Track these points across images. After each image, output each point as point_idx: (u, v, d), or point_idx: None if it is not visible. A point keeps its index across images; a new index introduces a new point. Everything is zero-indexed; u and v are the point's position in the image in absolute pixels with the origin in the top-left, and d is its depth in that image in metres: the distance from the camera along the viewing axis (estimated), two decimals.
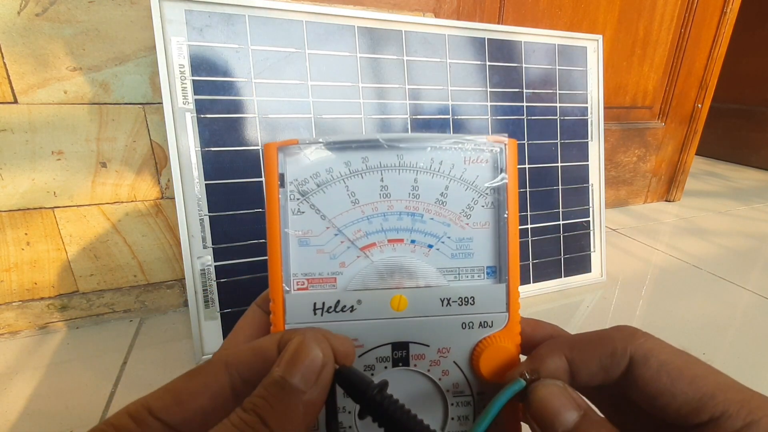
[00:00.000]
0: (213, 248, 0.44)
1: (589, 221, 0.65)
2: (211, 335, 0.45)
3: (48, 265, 0.49)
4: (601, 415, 0.15)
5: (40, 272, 0.49)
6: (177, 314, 0.55)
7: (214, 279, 0.44)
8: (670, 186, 1.10)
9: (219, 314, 0.45)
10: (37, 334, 0.50)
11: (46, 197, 0.46)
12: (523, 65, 0.58)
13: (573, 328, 0.54)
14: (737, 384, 0.14)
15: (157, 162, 0.50)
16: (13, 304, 0.49)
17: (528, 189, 0.60)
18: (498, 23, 0.73)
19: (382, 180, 0.18)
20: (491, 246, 0.19)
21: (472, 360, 0.18)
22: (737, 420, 0.13)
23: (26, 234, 0.47)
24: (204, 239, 0.44)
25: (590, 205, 0.65)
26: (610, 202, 1.04)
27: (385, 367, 0.18)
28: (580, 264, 0.65)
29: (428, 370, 0.19)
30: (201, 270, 0.44)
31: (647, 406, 0.15)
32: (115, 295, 0.53)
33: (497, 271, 0.19)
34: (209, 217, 0.44)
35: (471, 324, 0.18)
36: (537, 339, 0.19)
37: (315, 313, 0.18)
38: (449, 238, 0.19)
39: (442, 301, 0.18)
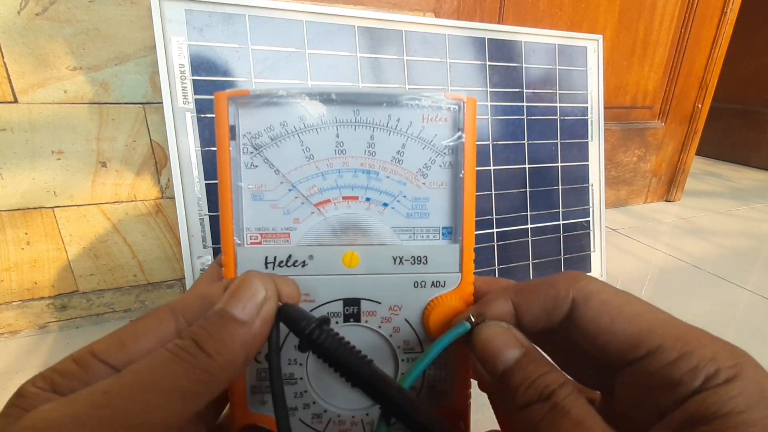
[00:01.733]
0: (213, 248, 0.44)
1: (589, 221, 0.65)
2: None
3: (48, 265, 0.49)
4: (543, 353, 0.15)
5: (40, 272, 0.49)
6: None
7: None
8: (670, 186, 1.10)
9: None
10: (37, 334, 0.50)
11: (46, 197, 0.46)
12: (523, 65, 0.58)
13: None
14: (675, 320, 0.14)
15: (157, 162, 0.50)
16: (13, 303, 0.49)
17: (528, 189, 0.60)
18: (498, 23, 0.73)
19: (338, 136, 0.18)
20: (447, 206, 0.19)
21: (423, 318, 0.18)
22: (672, 352, 0.13)
23: (26, 233, 0.47)
24: (204, 239, 0.44)
25: (590, 205, 0.65)
26: (610, 202, 1.04)
27: (336, 323, 0.18)
28: (580, 264, 0.65)
29: (379, 327, 0.19)
30: (201, 270, 0.44)
31: (589, 345, 0.15)
32: (115, 295, 0.53)
33: (453, 232, 0.19)
34: (209, 216, 0.44)
35: (423, 283, 0.18)
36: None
37: (266, 267, 0.18)
38: (405, 197, 0.18)
39: (395, 260, 0.18)
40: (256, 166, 0.18)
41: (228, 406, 0.18)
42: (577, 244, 0.64)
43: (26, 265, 0.48)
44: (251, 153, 0.18)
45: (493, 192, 0.58)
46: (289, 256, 0.18)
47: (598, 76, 0.62)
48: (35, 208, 0.47)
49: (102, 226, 0.50)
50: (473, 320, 0.16)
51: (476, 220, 0.57)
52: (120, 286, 0.53)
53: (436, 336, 0.17)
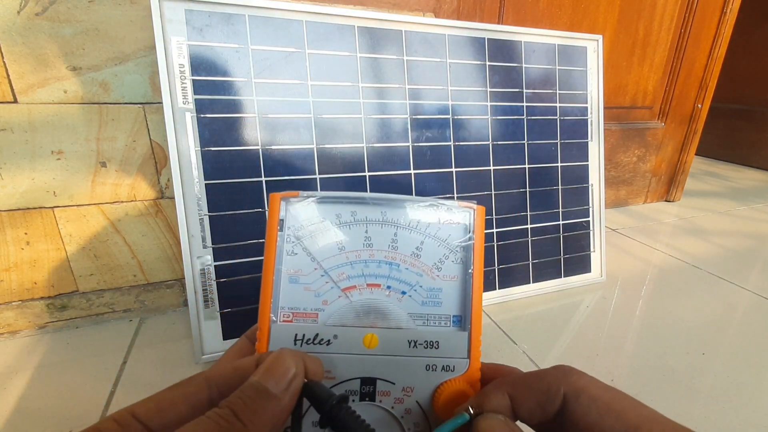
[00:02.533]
0: (213, 248, 0.44)
1: (588, 221, 0.65)
2: (210, 335, 0.45)
3: (48, 265, 0.49)
4: None
5: (40, 272, 0.49)
6: (177, 314, 0.55)
7: (214, 279, 0.44)
8: (669, 186, 1.10)
9: (219, 314, 0.45)
10: (37, 334, 0.50)
11: (45, 197, 0.46)
12: (523, 65, 0.58)
13: (573, 328, 0.54)
14: (660, 417, 0.15)
15: (157, 162, 0.50)
16: (13, 303, 0.49)
17: (528, 189, 0.60)
18: (498, 23, 0.73)
19: (366, 232, 0.21)
20: (458, 297, 0.21)
21: (433, 401, 0.20)
22: None
23: (26, 234, 0.47)
24: (204, 239, 0.44)
25: (590, 205, 0.65)
26: (610, 202, 1.04)
27: (353, 400, 0.20)
28: (579, 264, 0.65)
29: (392, 407, 0.20)
30: (201, 270, 0.44)
31: None
32: (114, 295, 0.53)
33: (462, 320, 0.21)
34: (209, 216, 0.44)
35: (434, 366, 0.20)
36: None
37: (295, 344, 0.20)
38: (421, 287, 0.21)
39: (410, 343, 0.20)
40: (296, 254, 0.20)
41: None
42: (577, 244, 0.64)
43: (26, 265, 0.48)
44: (293, 242, 0.20)
45: (493, 192, 0.58)
46: (316, 335, 0.20)
47: (597, 76, 0.62)
48: (35, 208, 0.47)
49: (102, 226, 0.50)
50: (472, 411, 0.17)
51: None
52: (120, 286, 0.53)
53: (444, 418, 0.18)
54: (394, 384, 0.20)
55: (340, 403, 0.16)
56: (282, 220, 0.20)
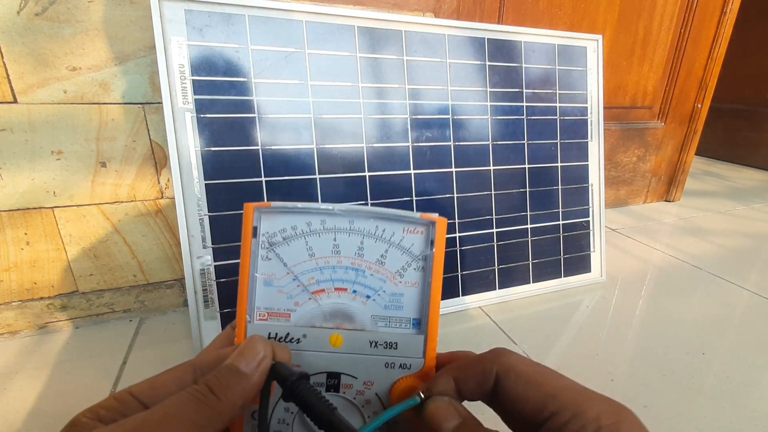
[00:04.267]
0: (213, 248, 0.44)
1: (588, 221, 0.65)
2: (210, 335, 0.45)
3: (48, 265, 0.49)
4: (478, 421, 0.19)
5: (40, 272, 0.49)
6: (177, 314, 0.55)
7: (214, 279, 0.44)
8: (669, 186, 1.10)
9: (219, 314, 0.45)
10: (37, 334, 0.50)
11: (45, 197, 0.46)
12: (523, 65, 0.58)
13: (573, 328, 0.54)
14: (576, 385, 0.17)
15: (157, 162, 0.50)
16: (13, 304, 0.49)
17: (528, 189, 0.60)
18: (498, 23, 0.73)
19: (335, 240, 0.22)
20: (417, 302, 0.23)
21: (390, 394, 0.22)
22: (567, 413, 0.16)
23: (26, 234, 0.47)
24: (204, 239, 0.44)
25: (590, 205, 0.65)
26: (609, 202, 1.04)
27: (320, 391, 0.22)
28: (579, 264, 0.65)
29: (354, 398, 0.22)
30: (201, 270, 0.44)
31: (512, 411, 0.18)
32: (114, 295, 0.53)
33: (420, 323, 0.23)
34: (209, 217, 0.44)
35: (393, 364, 0.22)
36: None
37: (269, 339, 0.22)
38: (384, 291, 0.23)
39: (371, 343, 0.22)
40: (270, 259, 0.22)
41: None
42: (576, 244, 0.64)
43: (26, 265, 0.48)
44: (266, 248, 0.22)
45: (493, 192, 0.58)
46: (287, 334, 0.22)
47: (597, 76, 0.62)
48: (35, 209, 0.46)
49: (102, 227, 0.50)
50: (422, 396, 0.20)
51: (477, 220, 0.57)
52: (120, 286, 0.53)
53: None
54: (356, 378, 0.22)
55: (300, 379, 0.19)
56: (255, 227, 0.22)
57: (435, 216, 0.23)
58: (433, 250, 0.23)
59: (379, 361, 0.22)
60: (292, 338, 0.22)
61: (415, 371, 0.22)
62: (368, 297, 0.23)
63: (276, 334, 0.22)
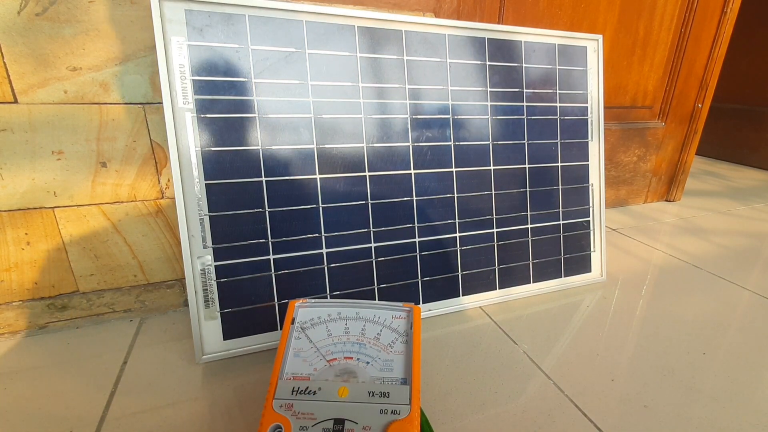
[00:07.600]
0: (213, 248, 0.44)
1: (589, 221, 0.65)
2: (211, 335, 0.45)
3: (48, 265, 0.49)
4: None
5: (40, 272, 0.49)
6: (177, 314, 0.55)
7: (214, 279, 0.44)
8: (670, 186, 1.10)
9: (219, 314, 0.45)
10: (37, 334, 0.50)
11: (46, 197, 0.46)
12: (523, 65, 0.58)
13: (573, 328, 0.54)
14: None
15: (157, 162, 0.50)
16: (13, 303, 0.49)
17: (528, 189, 0.60)
18: (498, 23, 0.73)
19: (346, 325, 0.34)
20: (404, 365, 0.32)
21: None
22: None
23: (26, 234, 0.47)
24: (204, 239, 0.44)
25: (590, 204, 0.65)
26: (610, 202, 1.04)
27: None
28: (580, 264, 0.65)
29: None
30: (201, 270, 0.44)
31: None
32: (115, 295, 0.53)
33: (406, 380, 0.31)
34: (209, 217, 0.44)
35: (386, 410, 0.29)
36: None
37: (292, 393, 0.29)
38: (380, 358, 0.32)
39: (369, 393, 0.30)
40: (300, 338, 0.33)
41: None
42: (577, 244, 0.64)
43: (26, 265, 0.48)
44: (298, 331, 0.34)
45: (493, 192, 0.58)
46: (307, 388, 0.30)
47: (597, 76, 0.62)
48: (35, 209, 0.47)
49: (102, 227, 0.50)
50: None
51: (477, 220, 0.57)
52: (120, 286, 0.53)
53: None
54: (356, 423, 0.28)
55: None
56: (294, 317, 0.34)
57: (411, 305, 0.36)
58: (412, 329, 0.34)
59: (375, 408, 0.29)
60: (310, 391, 0.29)
61: (404, 416, 0.28)
62: (368, 362, 0.32)
63: (298, 388, 0.30)
